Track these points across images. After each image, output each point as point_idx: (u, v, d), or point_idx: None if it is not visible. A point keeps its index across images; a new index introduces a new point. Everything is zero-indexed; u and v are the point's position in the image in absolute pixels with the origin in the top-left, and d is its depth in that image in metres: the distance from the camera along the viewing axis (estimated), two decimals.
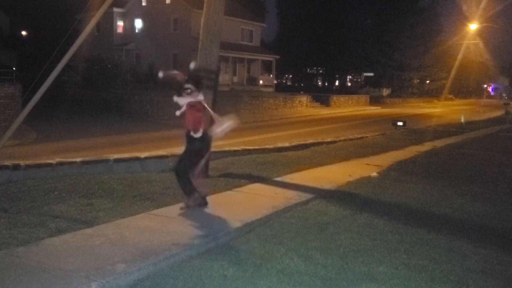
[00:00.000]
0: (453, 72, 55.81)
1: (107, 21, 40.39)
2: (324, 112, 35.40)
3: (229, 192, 7.01)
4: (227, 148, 11.47)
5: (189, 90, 5.50)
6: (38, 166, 7.93)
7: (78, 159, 8.57)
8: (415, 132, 18.76)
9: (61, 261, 3.97)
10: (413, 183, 8.27)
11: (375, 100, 47.79)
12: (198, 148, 5.68)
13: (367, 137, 16.45)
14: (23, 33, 48.10)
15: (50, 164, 8.07)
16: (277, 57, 44.81)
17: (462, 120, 23.55)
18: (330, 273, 4.12)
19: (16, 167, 7.56)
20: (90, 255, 4.14)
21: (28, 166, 7.73)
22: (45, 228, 4.89)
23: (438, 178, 8.95)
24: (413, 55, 55.68)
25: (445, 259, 4.62)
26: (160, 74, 5.66)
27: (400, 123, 20.78)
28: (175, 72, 5.75)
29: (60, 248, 4.31)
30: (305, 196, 6.89)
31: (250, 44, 43.50)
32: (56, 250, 4.26)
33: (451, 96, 67.24)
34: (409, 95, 58.50)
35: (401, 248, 4.86)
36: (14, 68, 30.27)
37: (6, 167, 7.47)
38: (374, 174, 8.99)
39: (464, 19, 49.34)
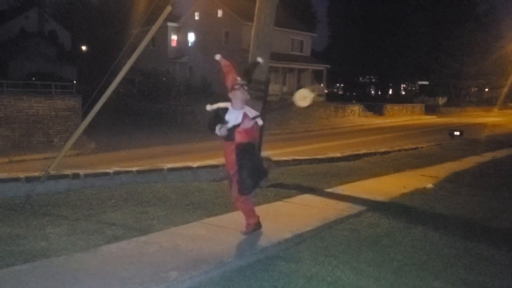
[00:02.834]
0: None
1: (162, 36, 41.71)
2: (377, 121, 34.73)
3: (279, 202, 6.99)
4: (276, 158, 11.47)
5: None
6: (96, 175, 8.25)
7: (134, 168, 8.85)
8: (473, 142, 18.02)
9: (117, 268, 4.11)
10: (471, 195, 7.94)
11: (431, 109, 46.37)
12: None
13: (422, 147, 15.98)
14: (83, 48, 50.52)
15: (107, 173, 8.38)
16: (328, 66, 44.53)
17: None
18: (383, 287, 4.01)
19: (76, 176, 7.90)
20: (144, 262, 4.25)
21: (87, 175, 8.06)
22: (102, 235, 5.07)
23: (498, 190, 8.54)
24: (471, 62, 53.62)
25: (507, 276, 4.39)
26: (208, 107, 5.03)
27: (457, 133, 20.05)
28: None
29: (116, 254, 4.46)
30: (357, 208, 6.76)
31: (301, 54, 43.51)
32: (112, 256, 4.41)
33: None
34: (466, 103, 56.34)
35: (458, 263, 4.66)
36: (74, 82, 31.76)
37: (67, 176, 7.82)
38: (430, 185, 8.71)
39: None
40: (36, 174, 7.21)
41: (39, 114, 18.07)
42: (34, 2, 52.75)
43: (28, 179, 7.23)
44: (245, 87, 4.90)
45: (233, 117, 4.87)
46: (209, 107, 5.02)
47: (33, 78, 31.31)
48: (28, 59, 39.17)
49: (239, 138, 4.87)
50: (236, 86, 4.87)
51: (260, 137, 8.58)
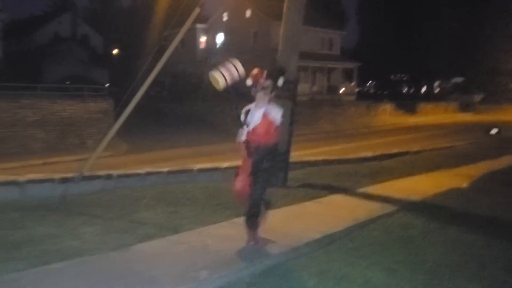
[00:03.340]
0: None
1: (191, 37, 42.10)
2: (410, 120, 34.14)
3: (308, 203, 6.94)
4: (306, 158, 11.42)
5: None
6: (129, 175, 8.40)
7: (165, 169, 8.96)
8: (510, 140, 17.47)
9: (149, 266, 4.16)
10: (508, 196, 7.70)
11: (466, 107, 45.28)
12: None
13: (456, 146, 15.62)
14: (114, 51, 51.52)
15: (139, 174, 8.52)
16: (359, 64, 44.04)
17: None
18: None
19: (109, 177, 8.05)
20: (175, 261, 4.29)
21: (119, 176, 8.21)
22: (135, 234, 5.14)
23: None
24: (507, 58, 51.98)
25: None
26: (249, 82, 4.68)
27: (493, 131, 19.51)
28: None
29: (148, 253, 4.52)
30: (389, 208, 6.65)
31: (330, 52, 43.17)
32: (144, 255, 4.47)
33: None
34: (504, 100, 54.62)
35: (495, 265, 4.53)
36: (106, 85, 32.40)
37: (100, 176, 7.98)
38: (464, 185, 8.50)
39: None
40: (70, 175, 7.39)
41: (72, 117, 18.55)
42: (67, 8, 54.16)
43: (63, 180, 7.41)
44: (268, 91, 4.63)
45: (254, 118, 4.67)
46: (243, 117, 4.74)
47: (67, 82, 32.11)
48: (61, 63, 40.22)
49: (254, 139, 4.63)
50: (258, 88, 4.65)
51: (289, 137, 8.57)
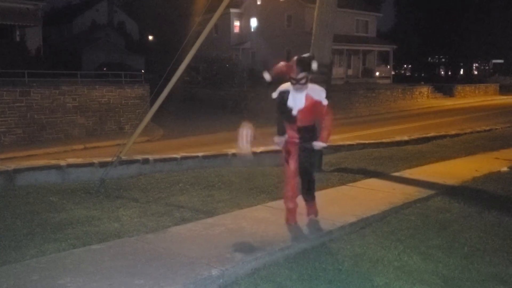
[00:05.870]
0: None
1: (225, 22, 42.07)
2: (448, 103, 33.26)
3: (343, 187, 6.91)
4: (341, 143, 11.32)
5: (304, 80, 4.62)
6: (165, 160, 8.55)
7: (200, 154, 9.09)
8: None
9: (185, 248, 4.25)
10: None
11: (506, 89, 43.63)
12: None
13: (496, 129, 15.15)
14: (150, 37, 52.12)
15: (175, 158, 8.66)
16: (395, 47, 43.03)
17: None
18: (453, 273, 3.88)
19: (145, 161, 8.23)
20: (211, 243, 4.38)
21: (156, 160, 8.37)
22: (171, 217, 5.27)
23: None
24: None
25: None
26: (267, 76, 4.81)
27: None
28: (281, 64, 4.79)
29: (184, 235, 4.62)
30: (425, 192, 6.56)
31: (365, 35, 42.30)
32: (180, 237, 4.57)
33: None
34: None
35: None
36: (143, 71, 32.86)
37: (137, 161, 8.16)
38: (505, 169, 8.25)
39: None
40: (109, 159, 7.58)
41: (110, 103, 18.95)
42: None
43: (102, 164, 7.61)
44: (304, 81, 4.60)
45: (297, 101, 4.68)
46: (274, 95, 4.90)
47: (104, 68, 32.78)
48: (99, 50, 41.06)
49: (302, 121, 4.74)
50: (293, 81, 4.65)
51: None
